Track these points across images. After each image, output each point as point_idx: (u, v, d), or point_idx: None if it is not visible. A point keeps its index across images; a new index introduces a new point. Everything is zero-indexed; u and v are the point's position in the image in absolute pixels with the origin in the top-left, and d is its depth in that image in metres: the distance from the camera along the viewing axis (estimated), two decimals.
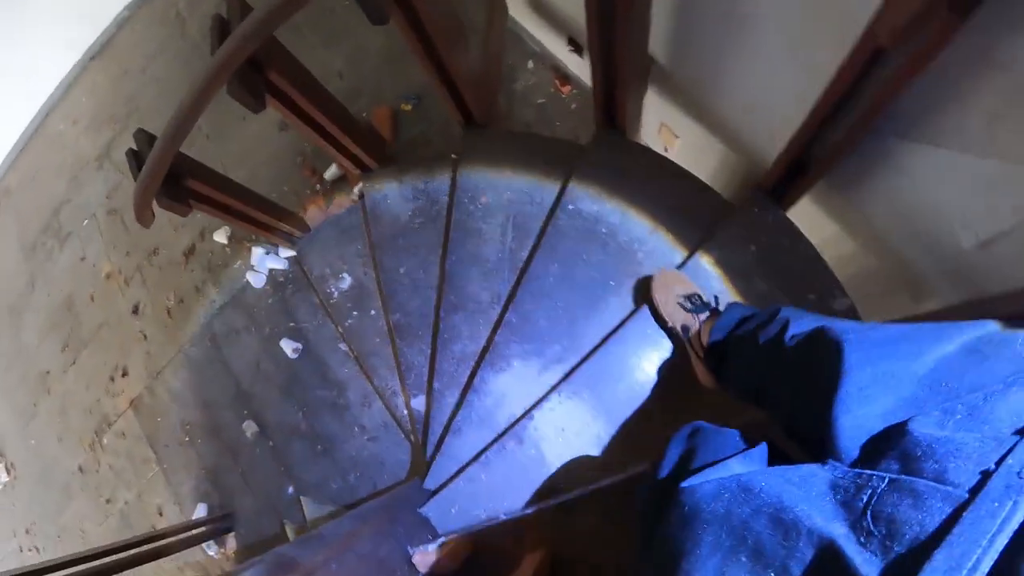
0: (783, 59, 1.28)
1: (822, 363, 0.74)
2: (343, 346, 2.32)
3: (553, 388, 1.54)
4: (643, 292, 1.54)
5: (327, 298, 2.33)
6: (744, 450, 0.82)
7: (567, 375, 1.55)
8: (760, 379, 1.02)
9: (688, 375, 1.38)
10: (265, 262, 2.53)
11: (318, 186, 2.60)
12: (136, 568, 2.18)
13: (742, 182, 1.81)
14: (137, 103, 3.20)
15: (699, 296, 1.39)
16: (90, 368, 3.08)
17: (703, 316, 1.35)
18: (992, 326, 0.66)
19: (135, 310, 2.96)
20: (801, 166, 1.40)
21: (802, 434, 0.79)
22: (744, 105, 1.55)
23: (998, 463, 0.46)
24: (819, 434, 0.67)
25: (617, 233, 1.64)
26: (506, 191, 1.87)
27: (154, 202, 1.73)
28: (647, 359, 1.50)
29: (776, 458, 0.82)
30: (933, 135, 1.12)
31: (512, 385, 1.64)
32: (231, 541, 2.66)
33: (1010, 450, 0.47)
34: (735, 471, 0.72)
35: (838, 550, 0.49)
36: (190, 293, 2.80)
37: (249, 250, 2.60)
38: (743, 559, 0.57)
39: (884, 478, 0.53)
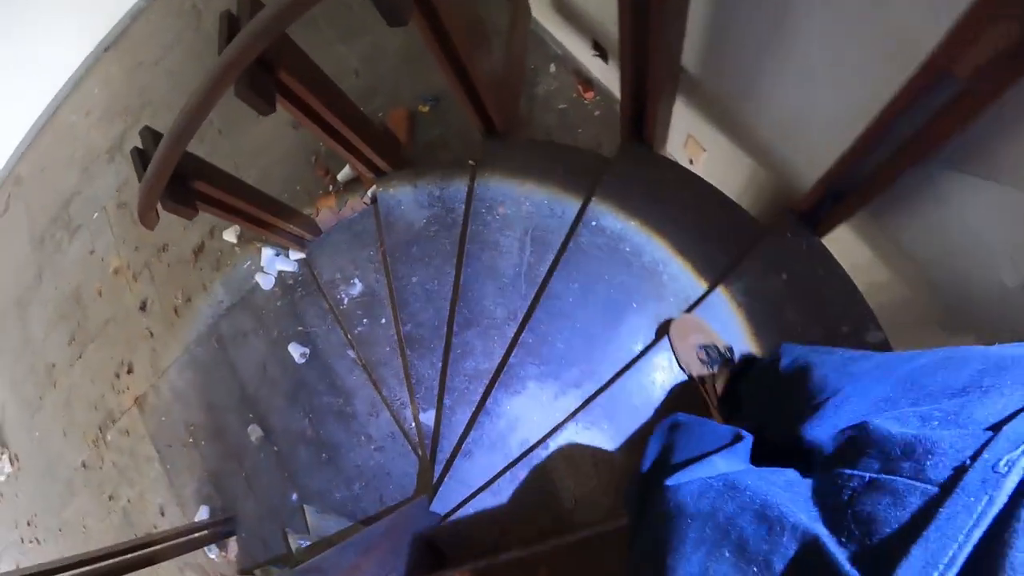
0: (828, 78, 1.20)
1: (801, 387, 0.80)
2: (352, 353, 2.26)
3: (570, 416, 1.47)
4: (664, 330, 1.49)
5: (337, 304, 2.27)
6: (728, 444, 0.82)
7: (585, 403, 1.48)
8: (763, 413, 1.03)
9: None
10: (275, 264, 2.47)
11: (331, 187, 2.54)
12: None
13: (771, 200, 1.73)
14: (150, 96, 3.15)
15: (715, 348, 1.37)
16: (96, 363, 3.05)
17: (716, 368, 1.34)
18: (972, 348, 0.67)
19: (142, 306, 2.92)
20: (840, 192, 1.32)
21: (780, 437, 0.81)
22: (780, 122, 1.47)
23: (973, 458, 0.46)
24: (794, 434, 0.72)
25: (641, 253, 1.56)
26: (525, 202, 1.79)
27: (158, 204, 1.68)
28: (669, 391, 1.43)
29: (762, 458, 0.82)
30: (986, 168, 1.04)
31: (526, 409, 1.57)
32: (232, 545, 2.62)
33: (985, 444, 0.47)
34: (720, 469, 0.73)
35: (821, 546, 0.50)
36: (198, 292, 2.75)
37: (259, 250, 2.54)
38: (727, 554, 0.57)
39: (864, 478, 0.53)
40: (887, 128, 1.03)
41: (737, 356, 1.37)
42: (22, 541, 3.38)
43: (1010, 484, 0.43)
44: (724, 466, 0.75)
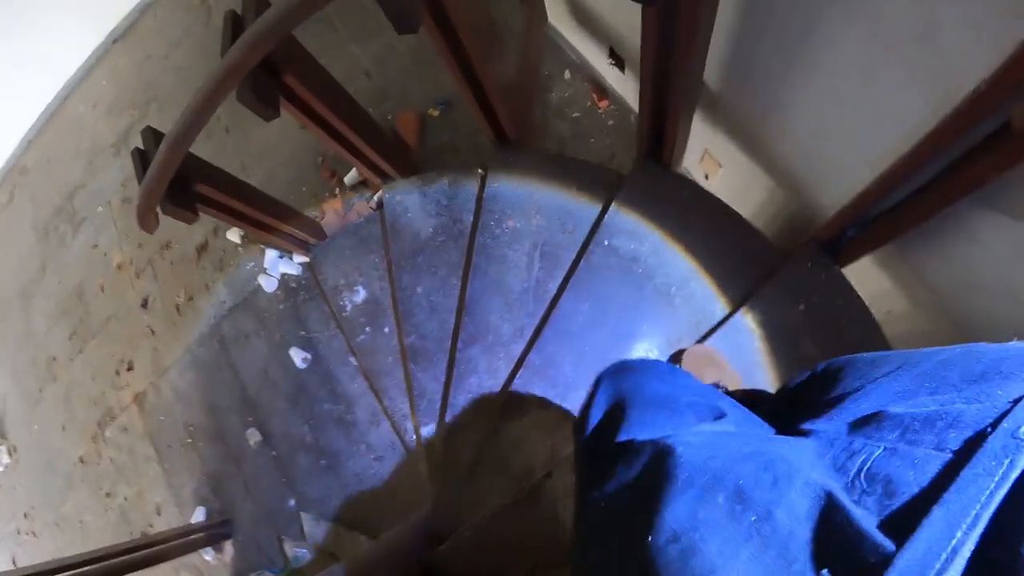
0: (860, 104, 1.15)
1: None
2: (354, 361, 2.22)
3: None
4: (677, 360, 1.43)
5: (340, 310, 2.23)
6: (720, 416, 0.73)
7: None
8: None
9: None
10: (278, 266, 2.43)
11: (337, 190, 2.50)
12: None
13: (788, 222, 1.68)
14: (157, 90, 3.11)
15: (724, 388, 1.31)
16: (97, 359, 3.02)
17: None
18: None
19: (144, 304, 2.89)
20: (864, 223, 1.27)
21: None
22: (803, 144, 1.41)
23: (993, 426, 0.46)
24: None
25: (654, 275, 1.51)
26: (536, 216, 1.75)
27: (158, 207, 1.64)
28: None
29: None
30: (1021, 209, 0.99)
31: (530, 432, 1.53)
32: (228, 548, 2.59)
33: (1006, 413, 0.46)
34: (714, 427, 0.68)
35: (835, 500, 0.47)
36: (200, 291, 2.72)
37: (262, 251, 2.50)
38: (720, 500, 0.51)
39: (879, 446, 0.51)
40: (921, 164, 0.98)
41: (749, 388, 1.32)
42: (19, 533, 3.36)
43: None
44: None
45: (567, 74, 2.31)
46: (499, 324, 1.70)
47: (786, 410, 0.79)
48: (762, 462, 0.53)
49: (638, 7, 1.10)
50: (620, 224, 1.57)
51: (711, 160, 1.86)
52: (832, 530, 0.47)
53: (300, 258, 2.40)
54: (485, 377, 1.69)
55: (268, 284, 2.45)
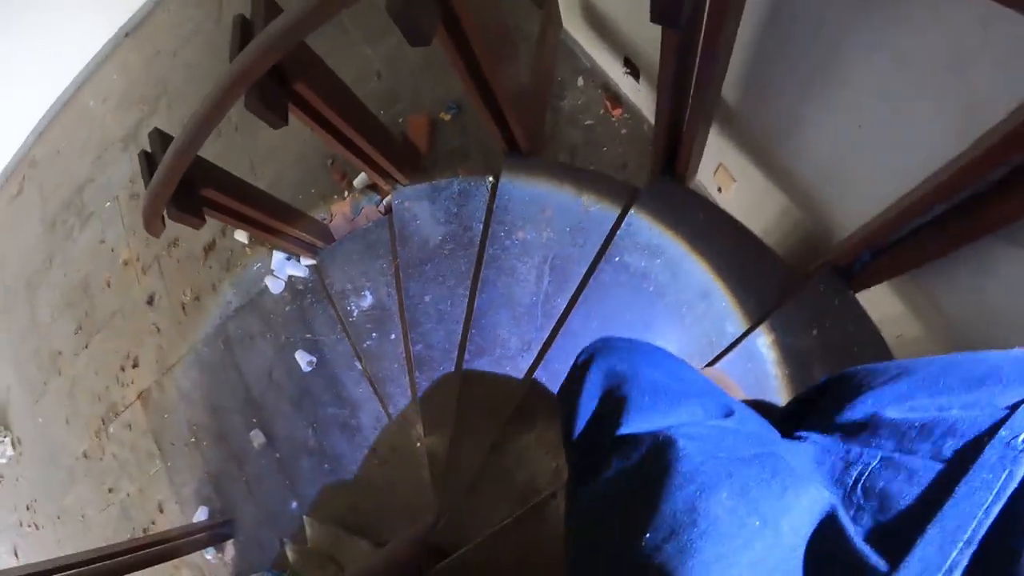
0: (883, 131, 1.12)
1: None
2: (359, 366, 2.21)
3: None
4: None
5: (346, 315, 2.22)
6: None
7: None
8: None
9: None
10: (285, 268, 2.42)
11: (346, 192, 2.48)
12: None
13: (801, 241, 1.65)
14: (167, 86, 3.10)
15: None
16: (101, 354, 3.02)
17: None
18: None
19: (150, 301, 2.88)
20: (880, 250, 1.24)
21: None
22: (821, 166, 1.39)
23: (990, 435, 0.45)
24: None
25: (665, 293, 1.49)
26: (546, 229, 1.73)
27: (164, 212, 1.63)
28: None
29: None
30: None
31: (535, 449, 1.51)
32: (229, 548, 2.59)
33: (1002, 421, 0.45)
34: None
35: (835, 518, 0.47)
36: (206, 290, 2.71)
37: (270, 252, 2.49)
38: (723, 495, 0.49)
39: (876, 455, 0.50)
40: (944, 198, 0.96)
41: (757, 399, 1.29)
42: (21, 525, 3.38)
43: None
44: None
45: (580, 81, 2.28)
46: (506, 337, 1.68)
47: (789, 420, 0.77)
48: (770, 468, 0.51)
49: None
50: (633, 240, 1.55)
51: (725, 174, 1.83)
52: (832, 549, 0.46)
53: (307, 260, 2.38)
54: (491, 390, 1.67)
55: (275, 286, 2.44)
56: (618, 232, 1.56)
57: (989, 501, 0.41)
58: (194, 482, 2.66)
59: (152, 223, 1.64)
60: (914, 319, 1.45)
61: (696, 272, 1.49)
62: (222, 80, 1.33)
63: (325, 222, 2.43)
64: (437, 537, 1.62)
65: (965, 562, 0.40)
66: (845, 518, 0.47)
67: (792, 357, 1.34)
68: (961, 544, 0.40)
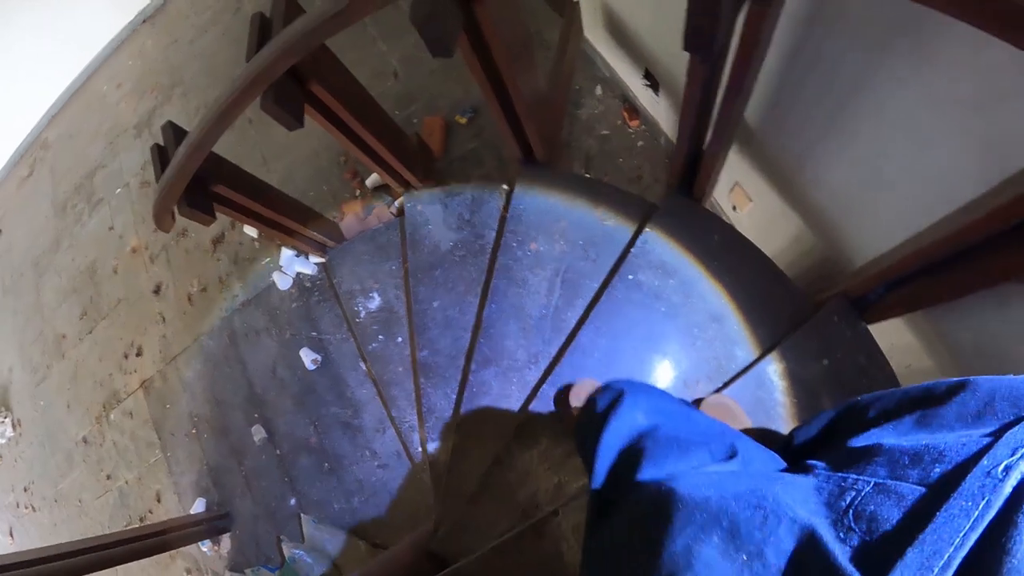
0: (905, 166, 1.11)
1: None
2: (364, 367, 2.20)
3: (584, 485, 1.39)
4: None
5: (353, 316, 2.21)
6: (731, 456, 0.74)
7: None
8: None
9: None
10: (293, 264, 2.41)
11: (358, 191, 2.47)
12: None
13: (814, 267, 1.64)
14: (181, 75, 3.09)
15: None
16: (105, 341, 3.02)
17: None
18: None
19: (156, 290, 2.88)
20: (896, 284, 1.23)
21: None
22: (839, 194, 1.37)
23: (972, 463, 0.46)
24: None
25: (677, 314, 1.48)
26: (559, 241, 1.71)
27: (175, 208, 1.62)
28: None
29: None
30: None
31: (538, 465, 1.50)
32: (225, 541, 2.59)
33: (984, 450, 0.47)
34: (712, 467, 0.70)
35: (817, 539, 0.48)
36: (213, 283, 2.70)
37: (278, 248, 2.48)
38: (715, 539, 0.53)
39: (869, 482, 0.52)
40: (966, 241, 0.94)
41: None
42: (17, 506, 3.38)
43: (1007, 488, 0.43)
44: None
45: (599, 90, 2.27)
46: (514, 349, 1.67)
47: (802, 449, 0.82)
48: (754, 499, 0.55)
49: (678, 32, 1.05)
50: (647, 258, 1.53)
51: (741, 193, 1.82)
52: (814, 569, 0.48)
53: (316, 258, 2.38)
54: (497, 402, 1.66)
55: (282, 282, 2.43)
56: (632, 249, 1.55)
57: (967, 528, 0.42)
58: (193, 473, 2.65)
59: (163, 219, 1.63)
60: (924, 352, 1.44)
61: (709, 294, 1.47)
62: (238, 80, 1.32)
63: (336, 220, 2.42)
64: (437, 545, 1.61)
65: None
66: (831, 539, 0.48)
67: (801, 386, 1.33)
68: (937, 568, 0.42)
